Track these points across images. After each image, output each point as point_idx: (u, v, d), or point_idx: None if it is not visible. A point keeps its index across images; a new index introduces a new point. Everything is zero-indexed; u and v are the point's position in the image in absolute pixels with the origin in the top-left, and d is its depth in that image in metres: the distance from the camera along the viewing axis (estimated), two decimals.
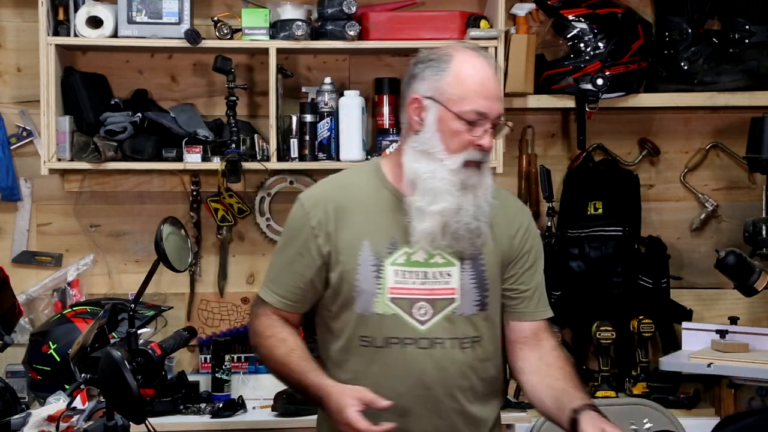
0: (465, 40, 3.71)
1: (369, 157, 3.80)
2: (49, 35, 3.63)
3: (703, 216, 4.04)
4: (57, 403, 2.88)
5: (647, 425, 3.19)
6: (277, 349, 2.54)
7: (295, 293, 2.56)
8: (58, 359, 3.45)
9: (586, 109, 3.81)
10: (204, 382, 3.75)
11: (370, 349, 2.50)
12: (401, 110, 2.55)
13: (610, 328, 3.77)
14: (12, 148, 3.86)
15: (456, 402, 2.52)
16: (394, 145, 3.75)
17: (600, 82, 3.76)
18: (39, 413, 2.75)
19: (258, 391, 3.78)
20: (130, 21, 3.65)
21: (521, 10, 3.82)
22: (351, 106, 3.78)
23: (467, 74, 2.43)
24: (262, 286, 2.61)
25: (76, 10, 3.66)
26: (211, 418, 3.55)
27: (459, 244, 2.48)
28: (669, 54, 3.86)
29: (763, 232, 3.69)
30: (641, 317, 3.80)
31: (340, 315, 2.54)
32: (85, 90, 3.70)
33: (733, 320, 3.69)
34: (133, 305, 2.60)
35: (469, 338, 2.51)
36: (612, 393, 3.73)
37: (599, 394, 3.72)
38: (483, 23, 3.72)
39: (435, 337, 2.48)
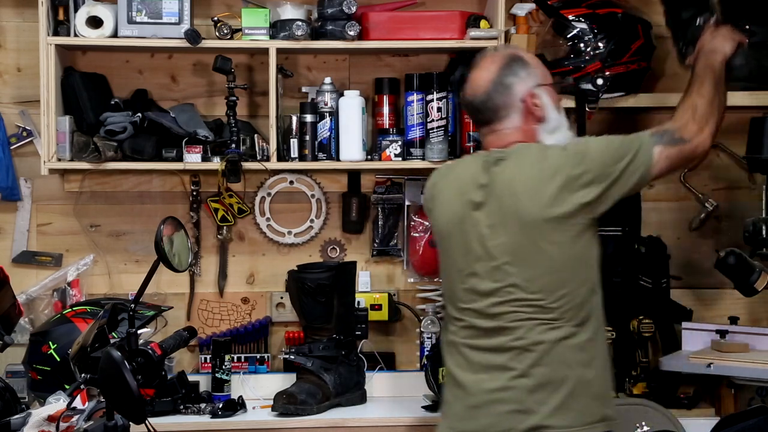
0: (465, 40, 3.72)
1: (369, 157, 3.81)
2: (49, 35, 3.63)
3: (703, 216, 4.04)
4: (57, 403, 2.88)
5: (647, 425, 3.19)
6: (699, 94, 2.90)
7: None
8: (58, 359, 3.45)
9: (586, 109, 3.81)
10: (204, 382, 3.75)
11: None
12: (499, 121, 2.84)
13: (610, 328, 3.75)
14: (12, 148, 3.87)
15: None
16: (395, 146, 3.77)
17: (600, 82, 3.76)
18: (39, 413, 2.76)
19: (258, 391, 3.78)
20: (130, 21, 3.65)
21: (521, 10, 3.82)
22: (351, 106, 3.78)
23: (533, 57, 2.96)
24: (642, 141, 2.78)
25: (76, 10, 3.66)
26: (211, 418, 3.55)
27: None
28: None
29: (763, 232, 3.69)
30: (641, 317, 3.80)
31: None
32: (85, 90, 3.70)
33: (733, 320, 3.70)
34: (133, 305, 2.60)
35: None
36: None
37: None
38: (483, 23, 3.73)
39: None
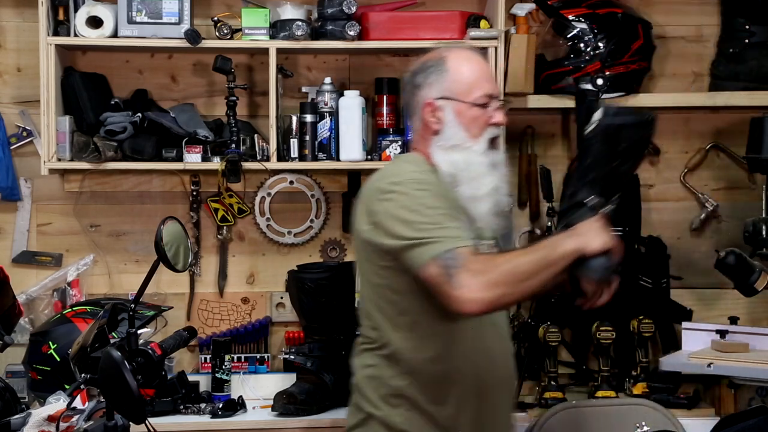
0: (465, 40, 3.72)
1: (369, 157, 3.81)
2: (49, 35, 3.63)
3: (703, 216, 4.04)
4: (57, 403, 2.88)
5: (647, 425, 3.19)
6: (514, 254, 2.54)
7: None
8: (58, 359, 3.45)
9: None
10: (204, 382, 3.75)
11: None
12: (409, 118, 2.78)
13: (610, 328, 3.77)
14: (12, 148, 3.86)
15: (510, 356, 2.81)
16: (395, 146, 3.76)
17: (600, 82, 3.76)
18: (39, 413, 2.76)
19: (258, 391, 3.78)
20: (130, 21, 3.65)
21: (521, 10, 3.82)
22: (351, 106, 3.78)
23: (467, 67, 2.69)
24: (431, 244, 2.47)
25: (76, 10, 3.66)
26: (211, 418, 3.55)
27: (502, 221, 2.70)
28: None
29: (763, 232, 3.69)
30: (641, 317, 3.80)
31: None
32: (85, 90, 3.70)
33: (733, 320, 3.69)
34: (133, 305, 2.60)
35: None
36: (612, 393, 3.73)
37: (599, 394, 3.72)
38: (483, 23, 3.73)
39: None
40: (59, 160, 3.65)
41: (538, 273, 2.42)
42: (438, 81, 2.68)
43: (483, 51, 3.73)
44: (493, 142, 2.69)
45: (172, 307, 3.75)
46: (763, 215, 3.77)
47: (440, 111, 2.67)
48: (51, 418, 2.71)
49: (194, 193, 3.93)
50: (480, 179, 2.65)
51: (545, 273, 2.42)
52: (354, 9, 3.68)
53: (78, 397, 2.71)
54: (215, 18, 3.72)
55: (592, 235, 2.43)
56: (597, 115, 2.55)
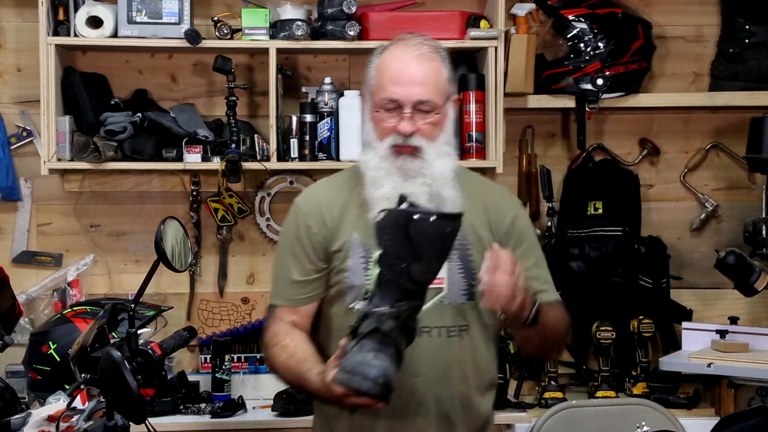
0: (465, 40, 3.72)
1: None
2: (49, 35, 3.63)
3: (703, 216, 4.04)
4: (57, 403, 2.88)
5: (647, 425, 3.19)
6: (278, 357, 2.56)
7: (302, 289, 2.59)
8: (58, 359, 3.45)
9: (586, 109, 3.81)
10: (204, 382, 3.75)
11: None
12: None
13: (610, 328, 3.77)
14: (12, 148, 3.86)
15: (449, 389, 2.54)
16: None
17: (600, 82, 3.76)
18: (39, 413, 2.76)
19: (258, 391, 3.78)
20: (130, 21, 3.65)
21: (521, 10, 3.82)
22: (351, 106, 3.77)
23: (385, 64, 2.56)
24: (270, 296, 2.66)
25: (76, 10, 3.66)
26: (211, 418, 3.55)
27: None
28: None
29: (763, 232, 3.69)
30: (641, 317, 3.80)
31: (332, 307, 2.59)
32: (85, 90, 3.70)
33: (733, 320, 3.70)
34: (133, 305, 2.60)
35: (456, 327, 2.53)
36: (612, 393, 3.73)
37: (599, 394, 3.73)
38: (483, 23, 3.72)
39: (423, 325, 2.41)
40: (59, 160, 3.65)
41: (290, 380, 2.55)
42: (368, 72, 2.61)
43: (483, 51, 3.74)
44: (410, 151, 2.50)
45: (172, 307, 3.75)
46: (763, 215, 3.78)
47: (365, 104, 2.61)
48: (51, 418, 2.71)
49: (194, 193, 3.93)
50: (377, 182, 2.52)
51: (296, 384, 2.54)
52: (354, 9, 3.68)
53: (78, 397, 2.71)
54: (215, 18, 3.72)
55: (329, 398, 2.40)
56: (386, 204, 2.30)
